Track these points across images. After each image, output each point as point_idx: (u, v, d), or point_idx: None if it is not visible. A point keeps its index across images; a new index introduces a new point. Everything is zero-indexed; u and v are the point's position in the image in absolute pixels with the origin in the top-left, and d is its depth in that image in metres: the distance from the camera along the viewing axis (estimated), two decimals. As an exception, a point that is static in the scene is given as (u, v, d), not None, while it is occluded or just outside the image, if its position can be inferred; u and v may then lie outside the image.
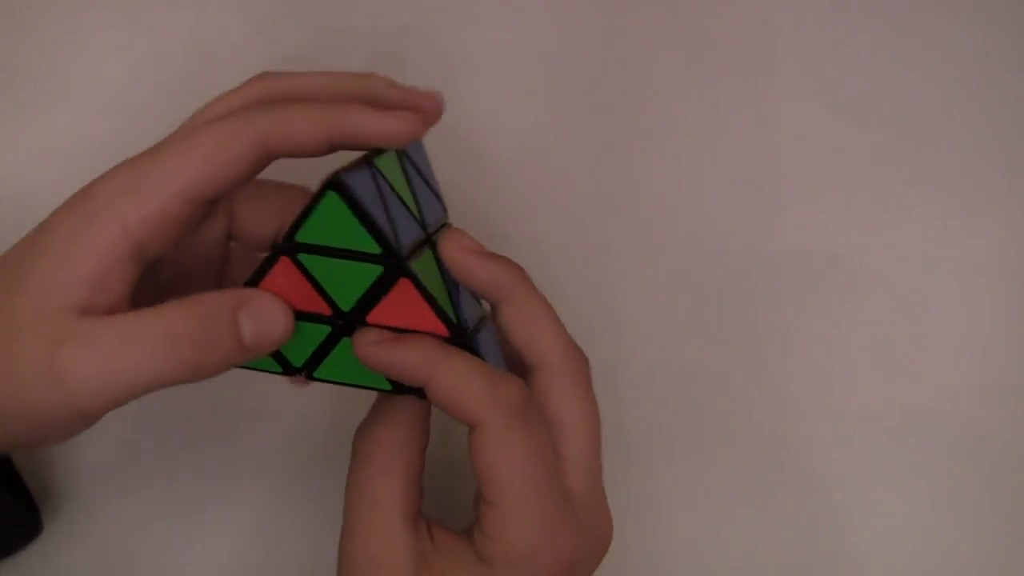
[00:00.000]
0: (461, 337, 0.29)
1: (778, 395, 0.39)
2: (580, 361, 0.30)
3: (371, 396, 0.39)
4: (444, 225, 0.33)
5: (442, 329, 0.29)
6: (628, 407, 0.39)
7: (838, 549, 0.38)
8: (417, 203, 0.32)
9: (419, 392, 0.30)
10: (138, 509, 0.37)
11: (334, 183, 0.28)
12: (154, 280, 0.32)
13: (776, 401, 0.39)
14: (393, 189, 0.31)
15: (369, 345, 0.29)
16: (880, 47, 0.43)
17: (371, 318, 0.29)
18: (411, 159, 0.33)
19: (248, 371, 0.33)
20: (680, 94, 0.42)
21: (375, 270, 0.29)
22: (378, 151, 0.30)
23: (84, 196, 0.29)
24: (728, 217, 0.41)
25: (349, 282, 0.29)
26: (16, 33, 0.40)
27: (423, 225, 0.31)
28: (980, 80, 0.42)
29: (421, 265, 0.29)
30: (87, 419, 0.28)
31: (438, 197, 0.34)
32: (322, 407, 0.38)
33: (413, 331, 0.29)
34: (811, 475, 0.39)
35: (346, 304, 0.29)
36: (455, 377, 0.28)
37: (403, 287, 0.29)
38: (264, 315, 0.29)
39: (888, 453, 0.39)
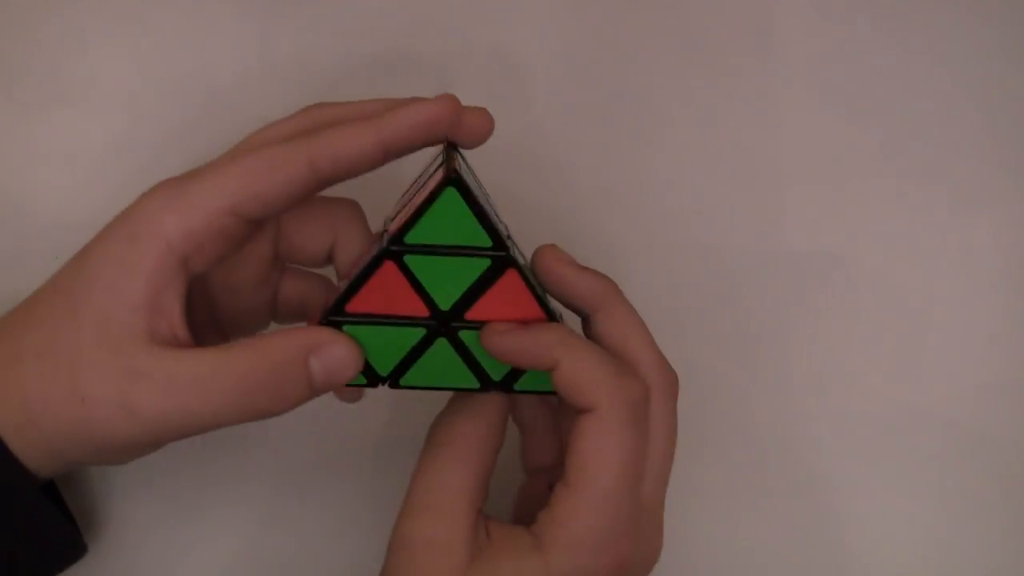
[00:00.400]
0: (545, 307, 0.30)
1: (778, 395, 0.39)
2: (671, 376, 0.31)
3: (380, 404, 0.39)
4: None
5: (543, 319, 0.30)
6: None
7: (839, 549, 0.38)
8: (487, 197, 0.33)
9: (506, 387, 0.31)
10: (140, 511, 0.37)
11: (451, 179, 0.28)
12: (206, 296, 0.33)
13: (776, 401, 0.39)
14: (480, 186, 0.32)
15: (498, 334, 0.30)
16: (880, 46, 0.43)
17: (471, 314, 0.30)
18: (470, 167, 0.34)
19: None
20: (679, 94, 0.42)
21: (482, 264, 0.29)
22: (447, 156, 0.31)
23: (127, 216, 0.30)
24: (728, 217, 0.41)
25: (453, 279, 0.30)
26: (16, 33, 0.40)
27: (497, 214, 0.32)
28: (981, 78, 0.42)
29: (528, 272, 0.31)
30: (157, 446, 0.29)
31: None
32: (323, 410, 0.38)
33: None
34: (811, 475, 0.39)
35: (446, 303, 0.30)
36: (585, 360, 0.29)
37: (509, 279, 0.30)
38: (335, 360, 0.29)
39: (889, 452, 0.39)
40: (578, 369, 0.29)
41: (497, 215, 0.32)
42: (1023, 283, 0.41)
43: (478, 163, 0.37)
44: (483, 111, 0.32)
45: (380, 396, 0.38)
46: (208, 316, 0.33)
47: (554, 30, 0.42)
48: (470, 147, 0.33)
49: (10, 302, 0.32)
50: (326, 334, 0.29)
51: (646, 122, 0.41)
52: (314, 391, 0.29)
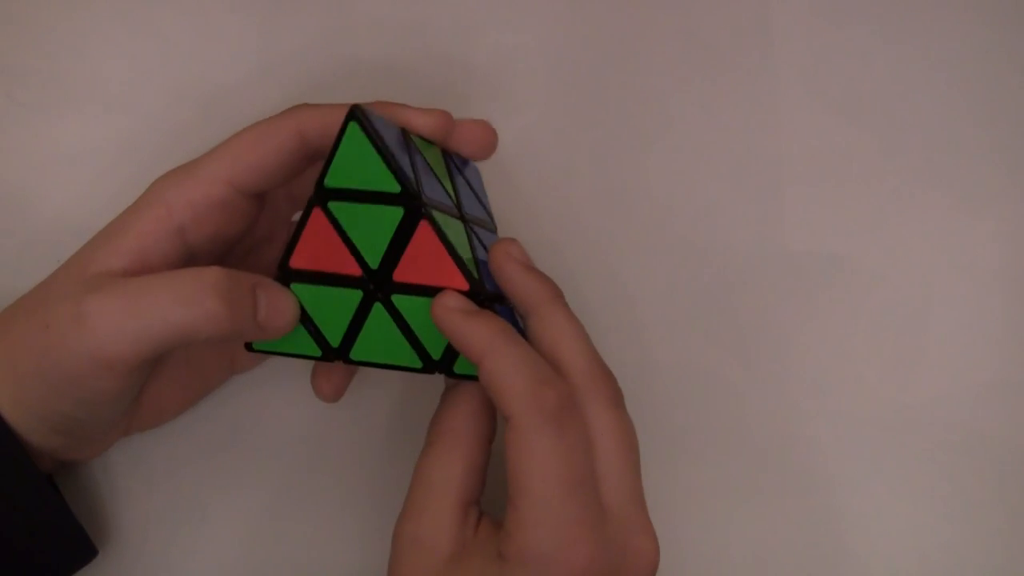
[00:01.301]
0: (480, 294, 0.30)
1: (778, 395, 0.39)
2: (602, 381, 0.30)
3: (382, 405, 0.39)
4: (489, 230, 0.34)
5: (462, 283, 0.30)
6: (627, 407, 0.39)
7: (838, 549, 0.38)
8: (455, 191, 0.33)
9: (447, 368, 0.31)
10: (139, 511, 0.37)
11: (353, 111, 0.29)
12: None
13: (776, 401, 0.39)
14: (425, 160, 0.32)
15: (446, 309, 0.29)
16: (880, 47, 0.43)
17: (398, 275, 0.30)
18: (460, 169, 0.34)
19: (255, 377, 0.33)
20: (680, 94, 0.42)
21: (396, 213, 0.29)
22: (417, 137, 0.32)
23: (143, 194, 0.31)
24: (728, 217, 0.41)
25: (375, 231, 0.30)
26: (17, 33, 0.40)
27: (457, 205, 0.32)
28: (981, 80, 0.42)
29: (446, 222, 0.30)
30: (109, 367, 0.28)
31: (488, 213, 0.35)
32: (322, 409, 0.38)
33: (438, 287, 0.30)
34: (811, 475, 0.39)
35: (374, 259, 0.30)
36: (503, 365, 0.28)
37: (424, 233, 0.29)
38: (277, 298, 0.30)
39: (888, 453, 0.39)
40: (495, 373, 0.28)
41: (454, 199, 0.32)
42: (1023, 283, 0.41)
43: (479, 164, 0.38)
44: (482, 123, 0.33)
45: (382, 395, 0.38)
46: None
47: (554, 30, 0.42)
48: (475, 158, 0.34)
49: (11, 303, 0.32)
50: (269, 279, 0.31)
51: (646, 122, 0.41)
52: (258, 323, 0.30)
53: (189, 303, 0.28)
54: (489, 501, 0.32)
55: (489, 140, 0.34)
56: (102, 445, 0.34)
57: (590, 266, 0.40)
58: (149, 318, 0.28)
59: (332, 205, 0.30)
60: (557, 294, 0.31)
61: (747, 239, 0.41)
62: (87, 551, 0.33)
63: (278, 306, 0.30)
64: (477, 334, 0.29)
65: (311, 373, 0.34)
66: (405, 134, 0.31)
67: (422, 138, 0.33)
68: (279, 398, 0.38)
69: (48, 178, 0.39)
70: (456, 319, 0.29)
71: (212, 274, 0.29)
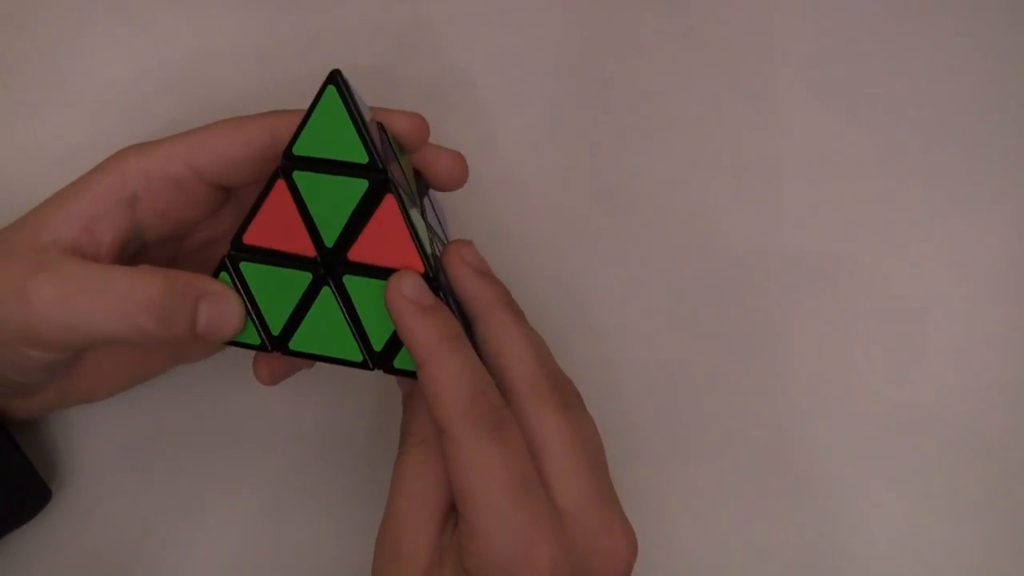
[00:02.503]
0: (435, 281, 0.30)
1: (778, 395, 0.39)
2: (547, 385, 0.30)
3: (379, 404, 0.39)
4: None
5: (419, 264, 0.30)
6: (627, 407, 0.39)
7: (837, 549, 0.38)
8: (419, 200, 0.32)
9: (386, 361, 0.30)
10: (138, 510, 0.37)
11: (333, 75, 0.29)
12: None
13: (776, 401, 0.39)
14: (399, 162, 0.31)
15: (401, 296, 0.29)
16: (880, 47, 0.43)
17: (354, 253, 0.30)
18: (426, 190, 0.34)
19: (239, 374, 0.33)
20: (680, 93, 0.42)
21: (361, 185, 0.29)
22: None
23: (104, 160, 0.32)
24: (728, 217, 0.41)
25: (336, 205, 0.30)
26: (16, 33, 0.40)
27: (419, 199, 0.32)
28: (980, 79, 0.42)
29: (410, 208, 0.30)
30: (40, 346, 0.29)
31: (445, 237, 0.35)
32: (323, 408, 0.38)
33: (393, 269, 0.30)
34: (810, 475, 0.39)
35: (331, 237, 0.30)
36: (442, 374, 0.28)
37: (387, 209, 0.29)
38: (222, 311, 0.30)
39: (888, 453, 0.39)
40: (433, 380, 0.28)
41: (417, 199, 0.32)
42: (1023, 283, 0.41)
43: (479, 163, 0.38)
44: (456, 153, 0.33)
45: (379, 395, 0.38)
46: None
47: (553, 29, 0.42)
48: (444, 189, 0.34)
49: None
50: (220, 286, 0.30)
51: (645, 122, 0.41)
52: (193, 334, 0.30)
53: (120, 316, 0.28)
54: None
55: (461, 173, 0.33)
56: (33, 405, 0.34)
57: (589, 266, 0.40)
58: (81, 318, 0.28)
59: (297, 175, 0.30)
60: (507, 300, 0.31)
61: (747, 238, 0.41)
62: (42, 494, 0.33)
63: (220, 318, 0.30)
64: (424, 334, 0.29)
65: (253, 355, 0.34)
66: (383, 129, 0.31)
67: (399, 146, 0.33)
68: (277, 396, 0.38)
69: (47, 177, 0.39)
70: (408, 310, 0.29)
71: (150, 289, 0.29)
